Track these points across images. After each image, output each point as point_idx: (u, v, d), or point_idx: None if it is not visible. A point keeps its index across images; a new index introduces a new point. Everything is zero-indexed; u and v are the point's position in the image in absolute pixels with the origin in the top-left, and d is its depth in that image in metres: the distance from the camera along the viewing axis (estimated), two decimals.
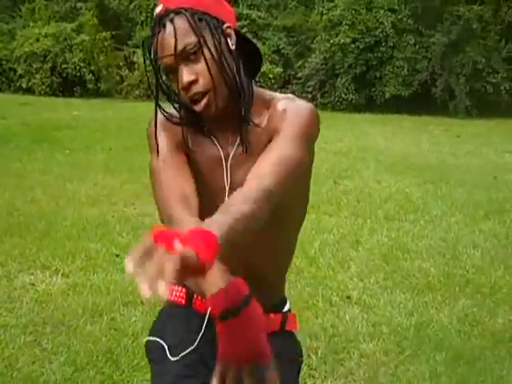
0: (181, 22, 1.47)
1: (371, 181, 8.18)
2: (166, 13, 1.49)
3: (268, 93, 1.66)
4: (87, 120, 14.38)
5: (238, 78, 1.54)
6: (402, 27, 19.33)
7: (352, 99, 19.34)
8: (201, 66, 1.48)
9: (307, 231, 5.77)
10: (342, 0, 19.71)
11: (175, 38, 1.46)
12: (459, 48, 18.34)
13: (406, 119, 17.19)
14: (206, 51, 1.48)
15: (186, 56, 1.48)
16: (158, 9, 1.51)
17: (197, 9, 1.50)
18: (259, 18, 21.52)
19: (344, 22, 19.26)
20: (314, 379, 3.25)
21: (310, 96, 20.33)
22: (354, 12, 19.33)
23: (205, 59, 1.48)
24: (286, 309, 1.77)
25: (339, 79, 19.46)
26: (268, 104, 1.61)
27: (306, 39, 21.50)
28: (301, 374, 1.82)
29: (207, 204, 1.47)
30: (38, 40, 22.52)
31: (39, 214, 6.07)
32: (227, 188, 1.58)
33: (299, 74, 20.73)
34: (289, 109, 1.60)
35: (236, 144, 1.59)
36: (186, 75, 1.48)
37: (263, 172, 1.44)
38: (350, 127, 14.87)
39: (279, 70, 20.46)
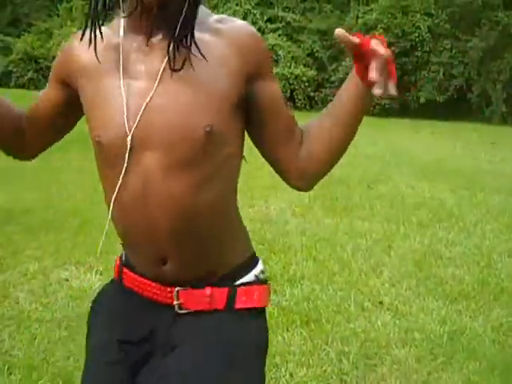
0: None
1: (404, 186, 8.13)
2: None
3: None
4: None
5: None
6: (438, 32, 19.20)
7: (386, 104, 19.26)
8: None
9: (339, 235, 5.76)
10: (378, 4, 19.63)
11: None
12: (497, 54, 18.15)
13: (441, 125, 17.06)
14: None
15: None
16: None
17: None
18: (294, 20, 21.53)
19: (379, 26, 19.19)
20: None
21: None
22: (389, 16, 19.25)
23: None
24: (243, 280, 1.46)
25: None
26: (201, 17, 1.34)
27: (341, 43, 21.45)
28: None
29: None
30: None
31: (74, 210, 6.14)
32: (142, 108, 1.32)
33: (333, 78, 20.70)
34: (244, 39, 1.36)
35: (159, 73, 1.32)
36: None
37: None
38: (383, 132, 14.79)
39: (313, 72, 20.45)
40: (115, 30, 1.42)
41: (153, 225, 1.35)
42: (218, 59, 1.32)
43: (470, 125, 17.12)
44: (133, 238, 1.43)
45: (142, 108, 1.30)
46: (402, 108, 19.46)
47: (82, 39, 1.40)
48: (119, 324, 1.50)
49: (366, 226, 6.11)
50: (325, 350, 3.51)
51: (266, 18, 21.32)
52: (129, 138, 1.31)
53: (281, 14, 21.43)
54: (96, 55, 1.35)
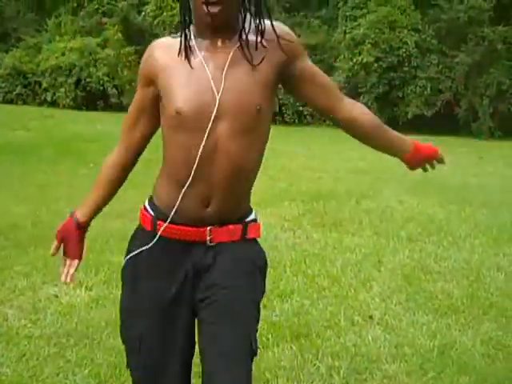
0: None
1: (393, 201, 8.16)
2: None
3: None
4: (110, 134, 14.49)
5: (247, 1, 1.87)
6: (425, 47, 19.36)
7: None
8: None
9: (329, 250, 5.77)
10: (366, 19, 19.77)
11: None
12: (483, 69, 18.32)
13: (429, 139, 16.97)
14: None
15: None
16: None
17: None
18: None
19: (367, 41, 19.32)
20: None
21: None
22: (377, 31, 19.39)
23: None
24: (249, 219, 2.02)
25: (362, 98, 19.47)
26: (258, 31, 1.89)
27: (329, 58, 21.58)
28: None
29: (194, 117, 1.83)
30: (63, 54, 22.82)
31: None
32: (217, 103, 1.82)
33: None
34: (283, 35, 1.91)
35: (226, 66, 1.84)
36: None
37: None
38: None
39: None
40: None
41: (215, 173, 1.86)
42: (263, 54, 1.86)
43: (458, 139, 17.24)
44: (195, 184, 1.87)
45: (221, 90, 1.81)
46: (389, 123, 19.31)
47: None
48: (163, 268, 1.95)
49: (356, 241, 6.13)
50: (315, 365, 3.51)
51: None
52: (214, 111, 1.82)
53: None
54: (186, 54, 1.85)
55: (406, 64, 19.16)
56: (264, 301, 4.37)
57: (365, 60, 19.12)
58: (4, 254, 5.18)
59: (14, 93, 23.32)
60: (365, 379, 3.40)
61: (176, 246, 1.94)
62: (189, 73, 1.85)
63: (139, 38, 23.14)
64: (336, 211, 7.35)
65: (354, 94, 19.75)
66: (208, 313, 1.92)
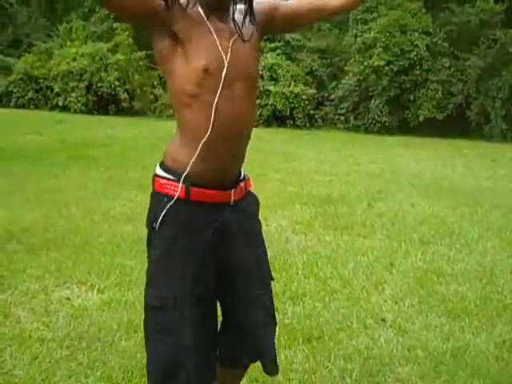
0: None
1: (405, 204, 8.13)
2: None
3: None
4: (121, 138, 14.55)
5: None
6: (436, 50, 19.30)
7: (385, 122, 19.31)
8: None
9: (341, 252, 5.75)
10: (377, 23, 19.74)
11: None
12: (495, 71, 18.24)
13: (440, 142, 17.10)
14: None
15: None
16: None
17: None
18: (293, 39, 21.64)
19: (378, 45, 19.28)
20: None
21: (342, 118, 20.35)
22: (388, 34, 19.34)
23: None
24: (243, 174, 2.36)
25: (373, 101, 19.45)
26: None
27: (340, 61, 21.57)
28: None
29: (207, 80, 2.09)
30: (74, 59, 22.93)
31: (75, 229, 6.14)
32: (226, 64, 2.11)
33: (332, 96, 20.79)
34: None
35: (234, 36, 2.17)
36: None
37: None
38: (383, 150, 14.83)
39: (313, 91, 20.52)
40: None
41: (238, 130, 2.16)
42: (251, 28, 2.24)
43: (470, 142, 17.17)
44: (219, 141, 2.11)
45: (228, 55, 2.11)
46: (401, 126, 19.51)
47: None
48: (194, 228, 2.18)
49: (367, 244, 6.10)
50: (327, 367, 3.49)
51: (264, 37, 21.45)
52: (224, 73, 2.09)
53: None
54: (203, 13, 2.14)
55: (418, 67, 19.11)
56: (276, 303, 4.37)
57: (376, 63, 19.08)
58: (16, 257, 5.20)
59: (26, 97, 23.46)
60: (377, 382, 3.38)
61: (202, 208, 2.18)
62: (205, 38, 2.11)
63: (150, 42, 23.16)
64: (348, 214, 7.33)
65: (365, 97, 19.74)
66: (238, 275, 2.32)
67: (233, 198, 2.24)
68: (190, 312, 2.14)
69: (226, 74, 2.08)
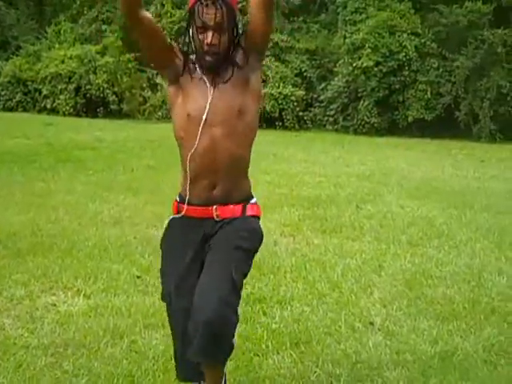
0: (225, 8, 2.52)
1: (394, 205, 8.12)
2: None
3: None
4: (110, 141, 14.48)
5: (235, 51, 2.67)
6: (425, 51, 19.33)
7: (374, 123, 19.33)
8: (224, 38, 2.57)
9: (329, 255, 5.73)
10: (365, 24, 19.75)
11: (217, 15, 2.51)
12: (483, 72, 18.29)
13: (429, 143, 17.13)
14: (230, 34, 2.59)
15: (217, 28, 2.53)
16: None
17: (230, 1, 2.56)
18: (282, 41, 21.63)
19: (367, 46, 19.29)
20: None
21: (332, 119, 20.34)
22: (376, 35, 19.36)
23: (228, 37, 2.59)
24: (251, 202, 2.79)
25: (362, 102, 19.45)
26: None
27: (329, 62, 21.57)
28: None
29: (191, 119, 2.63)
30: (63, 61, 22.83)
31: (62, 233, 6.09)
32: (207, 109, 2.60)
33: (321, 97, 20.78)
34: None
35: (215, 84, 2.64)
36: (212, 38, 2.55)
37: None
38: (372, 151, 14.83)
39: (301, 92, 20.50)
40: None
41: (215, 164, 2.63)
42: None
43: (459, 143, 17.20)
44: (200, 174, 2.65)
45: (209, 101, 2.61)
46: (390, 127, 19.52)
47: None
48: (186, 238, 2.73)
49: (356, 246, 6.09)
50: (315, 372, 3.47)
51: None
52: (204, 116, 2.59)
53: None
54: (194, 67, 2.68)
55: (406, 68, 19.12)
56: (264, 307, 4.36)
57: (364, 64, 19.08)
58: (2, 263, 5.15)
59: (14, 100, 23.33)
60: None
61: (193, 222, 2.71)
62: (195, 85, 2.66)
63: (138, 45, 23.10)
64: (336, 216, 7.31)
65: (354, 99, 19.75)
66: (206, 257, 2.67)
67: (215, 213, 2.68)
68: (176, 305, 2.66)
69: (205, 120, 2.59)
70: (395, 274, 5.27)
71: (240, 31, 2.65)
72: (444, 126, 18.63)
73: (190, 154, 2.62)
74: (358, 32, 19.79)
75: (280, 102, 19.97)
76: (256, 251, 2.78)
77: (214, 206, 2.67)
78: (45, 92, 22.82)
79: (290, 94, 20.03)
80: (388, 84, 19.24)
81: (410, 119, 19.03)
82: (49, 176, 9.39)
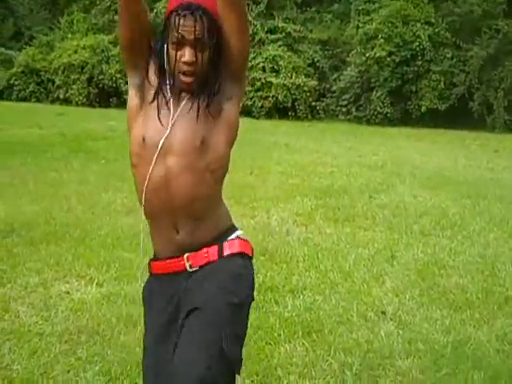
0: (206, 21, 2.03)
1: (407, 195, 8.09)
2: (196, 5, 2.03)
3: None
4: (122, 130, 14.47)
5: (216, 74, 2.11)
6: (439, 41, 19.22)
7: (387, 113, 19.25)
8: (203, 56, 2.05)
9: (341, 245, 5.73)
10: (379, 13, 19.66)
11: (197, 28, 2.02)
12: (498, 62, 18.16)
13: (443, 133, 17.05)
14: (210, 52, 2.06)
15: (196, 43, 2.03)
16: None
17: (212, 14, 2.05)
18: (294, 31, 21.57)
19: (380, 36, 19.21)
20: None
21: (344, 109, 20.29)
22: (390, 25, 19.27)
23: (209, 55, 2.06)
24: (229, 238, 2.16)
25: (374, 93, 19.39)
26: None
27: (342, 52, 21.50)
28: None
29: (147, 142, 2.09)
30: (75, 52, 22.88)
31: (75, 222, 6.12)
32: (165, 134, 2.07)
33: (334, 87, 20.72)
34: None
35: (183, 106, 2.11)
36: (190, 56, 2.04)
37: None
38: (384, 141, 14.78)
39: (314, 82, 20.45)
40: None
41: (170, 203, 2.07)
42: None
43: (473, 133, 17.11)
44: (157, 213, 2.11)
45: (168, 129, 2.08)
46: (403, 117, 19.45)
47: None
48: (160, 299, 2.16)
49: (369, 236, 6.08)
50: (327, 361, 3.47)
51: (266, 28, 21.35)
52: (159, 145, 2.06)
53: (281, 24, 21.46)
54: (167, 86, 2.13)
55: (420, 58, 19.03)
56: (276, 296, 4.37)
57: (378, 54, 19.01)
58: (16, 251, 5.18)
59: (28, 90, 23.43)
60: (378, 376, 3.36)
61: (165, 279, 2.16)
62: (160, 105, 2.11)
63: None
64: (349, 206, 7.30)
65: (367, 89, 19.68)
66: (184, 322, 2.06)
67: (188, 264, 2.11)
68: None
69: (161, 147, 2.07)
70: (408, 263, 5.26)
71: (219, 48, 2.11)
72: (457, 116, 18.54)
73: (144, 186, 2.10)
74: (371, 22, 19.71)
75: (293, 92, 19.93)
76: (251, 300, 2.18)
77: (185, 255, 2.11)
78: (58, 82, 22.89)
79: (302, 84, 19.98)
80: (401, 74, 19.16)
81: (423, 109, 18.95)
82: (61, 166, 9.43)
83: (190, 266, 2.11)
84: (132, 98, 2.19)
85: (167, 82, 2.13)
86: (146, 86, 2.16)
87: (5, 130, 13.57)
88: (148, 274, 2.27)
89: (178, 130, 2.09)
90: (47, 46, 24.57)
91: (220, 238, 2.15)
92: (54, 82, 23.13)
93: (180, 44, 2.05)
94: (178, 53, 2.06)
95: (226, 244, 2.14)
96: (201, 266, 2.11)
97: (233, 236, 2.17)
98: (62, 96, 22.81)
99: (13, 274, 4.67)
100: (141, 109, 2.16)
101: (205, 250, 2.11)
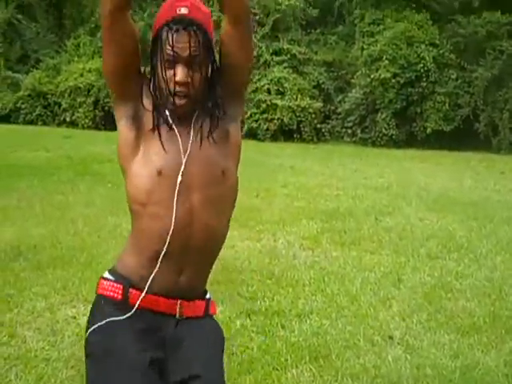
0: (200, 37, 1.86)
1: (413, 218, 8.09)
2: (190, 19, 1.86)
3: None
4: None
5: (215, 95, 1.95)
6: (443, 62, 19.26)
7: (392, 135, 19.26)
8: (198, 76, 1.88)
9: (348, 268, 5.72)
10: (383, 35, 19.75)
11: (192, 45, 1.85)
12: (502, 83, 18.19)
13: (448, 155, 17.04)
14: (205, 70, 1.90)
15: (190, 61, 1.86)
16: (184, 10, 1.87)
17: (207, 29, 1.89)
18: (299, 53, 21.65)
19: (384, 57, 19.26)
20: None
21: (350, 131, 20.32)
22: (394, 47, 19.34)
23: (205, 74, 1.90)
24: (208, 296, 2.07)
25: (380, 114, 19.41)
26: None
27: (347, 74, 21.55)
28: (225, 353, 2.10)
29: (163, 178, 1.89)
30: (81, 75, 23.01)
31: (81, 246, 6.13)
32: (182, 168, 1.89)
33: (339, 109, 20.75)
34: None
35: (191, 137, 1.93)
36: (183, 75, 1.86)
37: None
38: (390, 163, 14.79)
39: (319, 104, 20.50)
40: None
41: (191, 243, 1.89)
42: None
43: (478, 155, 17.10)
44: (171, 255, 1.89)
45: (184, 161, 1.90)
46: (408, 139, 19.45)
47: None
48: (137, 337, 1.89)
49: (375, 259, 6.07)
50: None
51: (271, 50, 21.44)
52: (178, 180, 1.88)
53: (286, 46, 21.54)
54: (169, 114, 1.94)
55: (424, 79, 19.06)
56: (282, 320, 4.36)
57: (382, 76, 19.05)
58: (23, 275, 5.19)
59: (34, 114, 23.52)
60: None
61: (148, 315, 1.91)
62: (164, 135, 1.92)
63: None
64: (355, 229, 7.30)
65: (372, 110, 19.72)
66: None
67: (178, 310, 1.93)
68: None
69: (180, 182, 1.88)
70: (414, 287, 5.24)
71: (216, 67, 1.96)
72: (463, 137, 18.53)
73: (164, 228, 1.87)
74: (375, 43, 19.78)
75: (298, 114, 19.97)
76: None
77: (179, 301, 1.94)
78: (64, 105, 23.01)
79: (307, 106, 20.03)
80: (406, 95, 19.19)
81: (428, 131, 18.95)
82: (68, 189, 9.46)
83: (180, 314, 1.94)
84: (126, 131, 1.98)
85: (164, 111, 1.93)
86: (141, 114, 1.94)
87: (12, 153, 13.63)
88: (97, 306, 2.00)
89: (196, 161, 1.91)
90: (54, 69, 24.70)
91: (204, 293, 2.05)
92: (60, 105, 23.24)
93: (172, 62, 1.87)
94: (169, 72, 1.88)
95: (211, 303, 2.06)
96: (187, 317, 1.96)
97: (209, 295, 2.07)
98: (68, 119, 22.91)
99: (19, 298, 4.67)
100: (139, 141, 1.95)
101: (198, 302, 1.99)
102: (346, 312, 4.61)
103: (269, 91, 20.25)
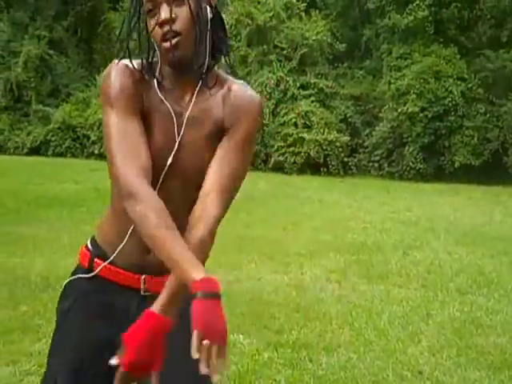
0: None
1: (441, 252, 8.01)
2: None
3: (223, 74, 1.86)
4: None
5: (206, 38, 1.74)
6: (471, 96, 19.22)
7: (420, 168, 19.18)
8: (182, 10, 1.70)
9: (375, 302, 5.66)
10: (410, 69, 19.79)
11: None
12: None
13: (477, 189, 16.90)
14: (190, 1, 1.71)
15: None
16: None
17: None
18: (327, 86, 21.75)
19: (412, 91, 19.27)
20: None
21: (377, 165, 20.28)
22: (422, 81, 19.35)
23: (188, 7, 1.70)
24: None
25: (407, 148, 19.37)
26: (223, 82, 1.83)
27: (374, 108, 21.58)
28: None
29: (154, 158, 1.77)
30: None
31: None
32: (176, 145, 1.79)
33: (366, 143, 20.75)
34: (242, 101, 1.81)
35: (190, 105, 1.80)
36: (166, 12, 1.69)
37: (211, 204, 1.73)
38: (418, 197, 14.70)
39: (346, 138, 20.51)
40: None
41: None
42: (214, 120, 1.80)
43: (508, 189, 16.93)
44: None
45: (175, 148, 1.79)
46: (436, 172, 19.35)
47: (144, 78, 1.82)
48: (99, 307, 1.88)
49: (403, 293, 6.01)
50: None
51: (298, 84, 21.56)
52: (166, 167, 1.79)
53: (313, 80, 21.66)
54: (160, 96, 1.79)
55: (452, 113, 19.03)
56: (310, 354, 4.32)
57: (410, 110, 19.05)
58: (52, 306, 5.20)
59: (64, 146, 23.85)
60: None
61: (112, 287, 1.88)
62: (159, 119, 1.81)
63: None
64: (383, 263, 7.24)
65: (399, 144, 19.68)
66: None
67: (143, 286, 1.86)
68: None
69: (170, 165, 1.80)
70: (443, 322, 5.17)
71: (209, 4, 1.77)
72: (492, 171, 18.39)
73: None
74: (403, 78, 19.81)
75: (325, 147, 19.99)
76: None
77: (143, 276, 1.86)
78: (93, 138, 23.30)
79: (334, 139, 20.05)
80: (434, 129, 19.14)
81: (456, 165, 18.85)
82: (96, 220, 9.51)
83: (145, 290, 1.86)
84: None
85: (154, 80, 1.80)
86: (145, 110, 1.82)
87: (41, 185, 13.81)
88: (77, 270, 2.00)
89: (188, 145, 1.81)
90: (83, 102, 25.09)
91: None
92: (89, 138, 23.55)
93: (154, 11, 1.72)
94: (153, 20, 1.72)
95: None
96: (153, 293, 1.76)
97: None
98: (96, 151, 23.18)
99: (48, 328, 4.68)
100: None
101: (163, 279, 1.73)
102: (374, 346, 4.56)
103: (296, 125, 20.32)
